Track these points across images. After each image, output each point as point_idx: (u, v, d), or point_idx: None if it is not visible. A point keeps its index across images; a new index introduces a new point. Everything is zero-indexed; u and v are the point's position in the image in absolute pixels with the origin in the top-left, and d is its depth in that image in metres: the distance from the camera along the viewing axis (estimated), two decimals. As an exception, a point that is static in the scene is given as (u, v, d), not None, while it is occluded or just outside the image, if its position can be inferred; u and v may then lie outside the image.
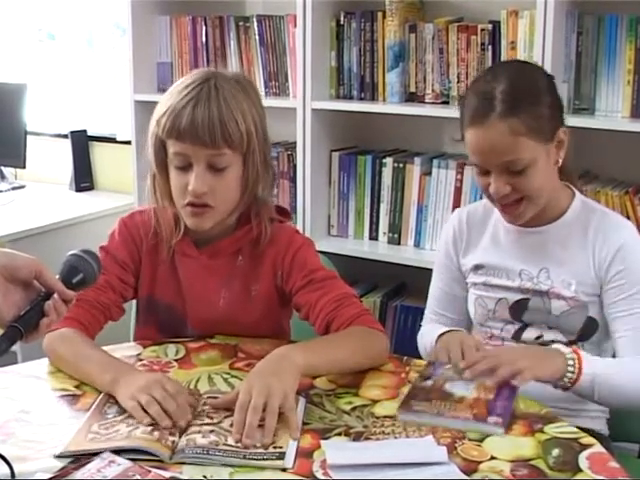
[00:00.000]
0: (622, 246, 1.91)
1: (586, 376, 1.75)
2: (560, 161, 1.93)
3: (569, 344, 1.91)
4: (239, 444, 1.47)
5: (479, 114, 1.87)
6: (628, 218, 2.63)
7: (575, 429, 1.56)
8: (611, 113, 2.71)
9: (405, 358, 1.88)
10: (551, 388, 1.79)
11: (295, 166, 3.14)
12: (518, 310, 2.00)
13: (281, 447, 1.47)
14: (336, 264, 2.36)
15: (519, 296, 2.00)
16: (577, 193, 2.02)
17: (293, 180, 3.17)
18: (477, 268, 2.06)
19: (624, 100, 2.68)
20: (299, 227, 3.10)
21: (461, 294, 2.13)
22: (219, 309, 1.97)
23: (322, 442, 1.48)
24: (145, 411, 1.53)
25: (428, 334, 2.07)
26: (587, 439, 1.52)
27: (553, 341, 1.94)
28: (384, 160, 3.04)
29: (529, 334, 2.00)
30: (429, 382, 1.69)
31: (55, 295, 1.42)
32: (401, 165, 3.00)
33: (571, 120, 2.58)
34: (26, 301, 1.42)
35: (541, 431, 1.54)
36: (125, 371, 1.68)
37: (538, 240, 1.99)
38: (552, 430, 1.54)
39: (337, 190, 3.14)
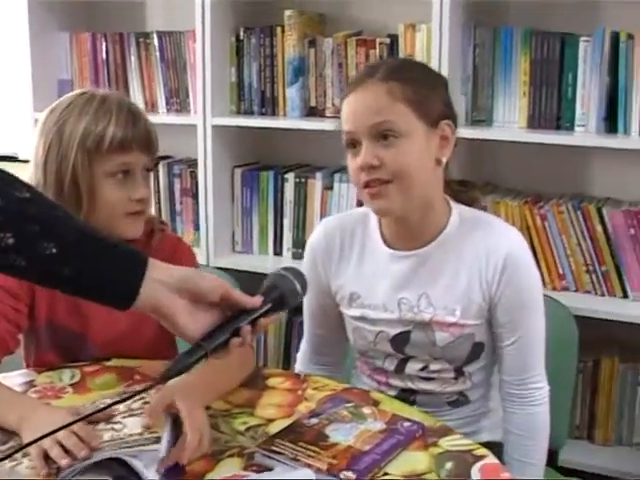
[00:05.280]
0: (507, 264, 1.77)
1: None
2: (444, 161, 1.77)
3: (455, 371, 1.87)
4: (115, 437, 1.46)
5: (359, 79, 1.76)
6: (528, 228, 2.68)
7: (469, 441, 1.55)
8: (508, 124, 2.75)
9: (303, 375, 1.87)
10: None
11: (197, 183, 3.12)
12: (399, 343, 1.86)
13: (156, 431, 1.46)
14: (241, 280, 2.34)
15: (400, 329, 1.85)
16: (454, 206, 1.84)
17: (195, 197, 3.14)
18: (352, 299, 1.89)
19: (520, 111, 2.72)
20: (202, 244, 3.08)
21: (337, 336, 2.01)
22: (121, 324, 1.93)
23: None
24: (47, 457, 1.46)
25: None
26: (480, 450, 1.51)
27: (439, 371, 1.87)
28: (286, 175, 3.04)
29: (413, 366, 1.88)
30: (314, 420, 1.58)
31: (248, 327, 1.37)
32: (303, 180, 3.00)
33: (469, 132, 2.64)
34: (213, 318, 1.36)
35: (435, 445, 1.53)
36: (30, 410, 1.59)
37: (415, 264, 1.82)
38: (446, 443, 1.53)
39: (240, 206, 3.13)
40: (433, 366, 1.87)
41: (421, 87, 1.73)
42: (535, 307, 1.82)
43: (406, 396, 1.88)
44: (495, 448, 1.60)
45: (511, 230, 1.85)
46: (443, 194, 1.83)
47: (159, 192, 3.26)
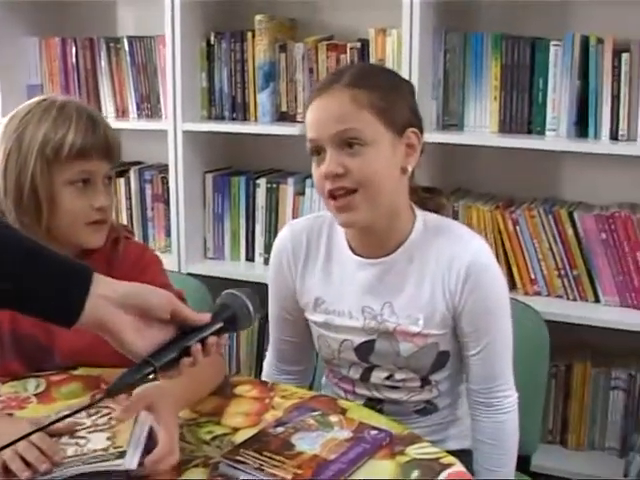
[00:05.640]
0: (471, 272, 1.73)
1: None
2: (409, 169, 1.73)
3: (421, 380, 1.85)
4: (78, 452, 1.43)
5: (323, 85, 1.72)
6: (499, 233, 2.68)
7: (437, 449, 1.54)
8: (479, 128, 2.75)
9: (270, 383, 1.85)
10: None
11: (169, 189, 3.10)
12: (364, 352, 1.84)
13: (121, 446, 1.43)
14: (213, 287, 2.33)
15: (364, 338, 1.82)
16: (418, 213, 1.81)
17: (167, 203, 3.12)
18: (317, 304, 1.86)
19: (491, 115, 2.72)
20: (174, 250, 3.06)
21: (304, 344, 1.98)
22: (88, 333, 1.90)
23: None
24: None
25: None
26: (448, 458, 1.50)
27: (404, 380, 1.84)
28: (257, 181, 3.03)
29: (378, 374, 1.85)
30: (280, 429, 1.56)
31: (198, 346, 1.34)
32: (274, 185, 2.99)
33: (440, 136, 2.64)
34: (164, 335, 1.33)
35: (402, 453, 1.51)
36: None
37: (381, 272, 1.79)
38: (413, 451, 1.52)
39: (212, 212, 3.12)
40: (398, 375, 1.85)
41: (387, 94, 1.70)
42: (500, 315, 1.78)
43: (373, 405, 1.86)
44: (463, 456, 1.58)
45: (475, 237, 1.81)
46: (409, 201, 1.81)
47: (130, 198, 3.23)
